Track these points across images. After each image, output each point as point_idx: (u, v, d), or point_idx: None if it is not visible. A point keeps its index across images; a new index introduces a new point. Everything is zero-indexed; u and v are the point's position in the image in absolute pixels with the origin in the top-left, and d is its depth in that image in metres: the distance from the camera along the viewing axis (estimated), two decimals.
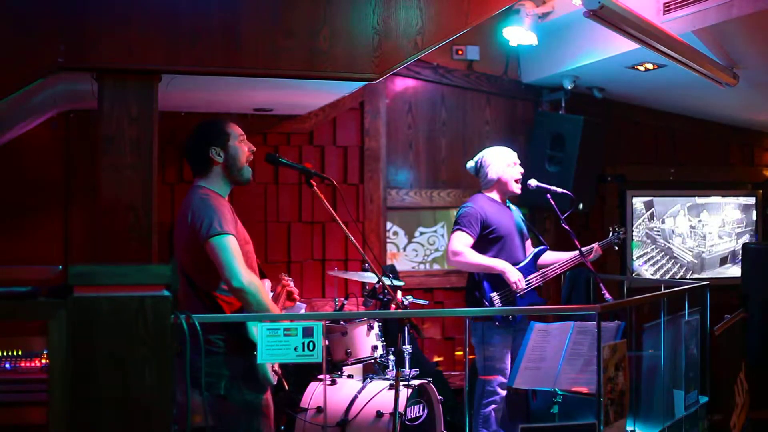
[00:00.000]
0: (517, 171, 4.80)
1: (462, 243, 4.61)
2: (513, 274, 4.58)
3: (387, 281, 3.94)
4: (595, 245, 4.93)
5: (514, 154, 4.83)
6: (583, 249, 4.77)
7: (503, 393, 4.65)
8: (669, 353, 4.33)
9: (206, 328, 3.10)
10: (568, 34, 5.54)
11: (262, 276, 3.64)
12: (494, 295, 4.59)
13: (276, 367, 3.44)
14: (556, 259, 4.85)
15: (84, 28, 3.67)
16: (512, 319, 4.61)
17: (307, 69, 3.97)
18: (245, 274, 3.28)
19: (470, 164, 4.89)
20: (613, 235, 5.10)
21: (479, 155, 4.85)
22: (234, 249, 3.31)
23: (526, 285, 4.66)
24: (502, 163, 4.78)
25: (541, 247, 4.83)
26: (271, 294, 3.71)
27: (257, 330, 3.29)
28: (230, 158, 3.51)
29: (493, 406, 4.64)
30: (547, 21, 5.53)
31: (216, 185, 3.52)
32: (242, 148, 3.55)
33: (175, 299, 2.51)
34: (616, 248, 5.18)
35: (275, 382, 3.44)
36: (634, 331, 4.58)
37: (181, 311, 2.88)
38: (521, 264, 4.70)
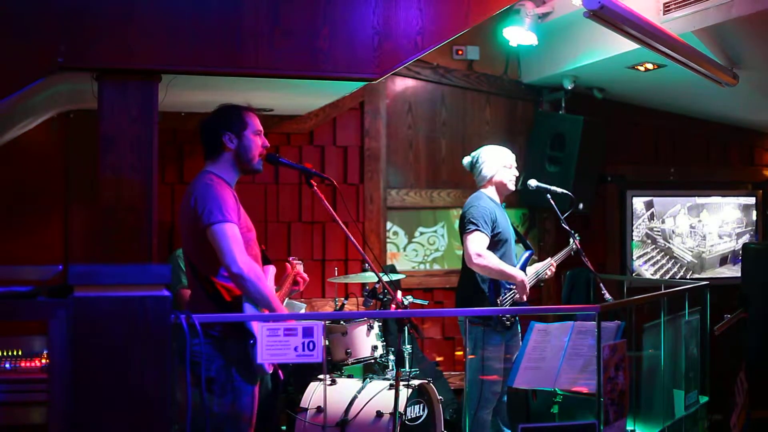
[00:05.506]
0: (512, 173, 4.76)
1: (483, 244, 4.50)
2: (525, 288, 4.56)
3: (386, 278, 3.93)
4: (551, 261, 4.85)
5: (512, 156, 4.78)
6: (540, 266, 4.78)
7: (495, 397, 4.62)
8: (669, 353, 4.34)
9: (201, 312, 3.10)
10: (568, 34, 5.54)
11: (267, 262, 3.65)
12: (499, 301, 4.56)
13: None
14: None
15: (84, 28, 3.68)
16: (510, 324, 4.59)
17: (307, 69, 3.97)
18: (244, 261, 3.29)
19: (466, 160, 4.82)
20: (572, 242, 5.01)
21: (477, 151, 4.79)
22: (234, 236, 3.32)
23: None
24: (498, 162, 4.72)
25: (529, 252, 4.80)
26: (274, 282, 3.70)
27: (258, 325, 3.31)
28: (242, 147, 3.51)
29: (487, 410, 4.60)
30: (547, 21, 5.53)
31: (224, 172, 3.51)
32: (256, 141, 3.55)
33: (175, 297, 2.51)
34: (572, 254, 5.05)
35: (270, 371, 3.43)
36: (634, 331, 4.58)
37: (181, 311, 2.88)
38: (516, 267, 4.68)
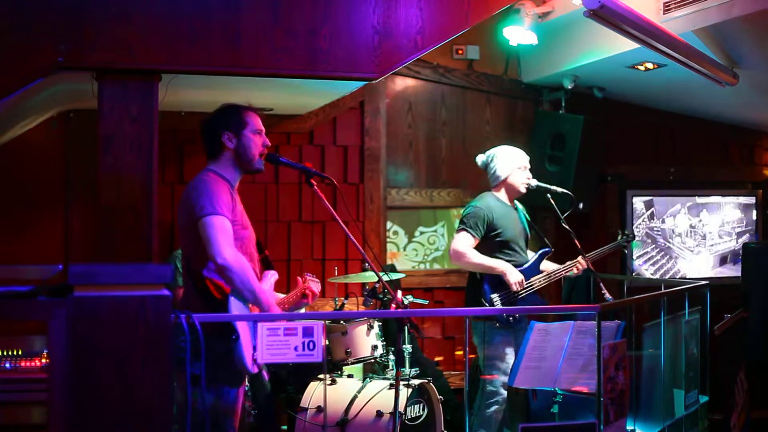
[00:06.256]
0: (525, 176, 4.78)
1: (465, 244, 4.59)
2: (513, 276, 4.57)
3: (386, 277, 3.93)
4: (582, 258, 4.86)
5: (527, 158, 4.82)
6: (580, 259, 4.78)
7: (505, 393, 4.64)
8: (669, 353, 4.33)
9: (189, 308, 3.09)
10: (568, 34, 5.54)
11: (269, 267, 3.65)
12: (494, 297, 4.58)
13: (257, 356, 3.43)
14: (545, 269, 4.82)
15: (84, 28, 3.67)
16: (513, 320, 4.59)
17: (308, 69, 3.97)
18: (230, 253, 3.29)
19: (481, 158, 4.85)
20: (621, 238, 5.10)
21: (491, 151, 4.83)
22: (223, 228, 3.32)
23: (529, 286, 4.65)
24: (512, 164, 4.76)
25: (546, 249, 4.82)
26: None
27: (235, 308, 3.30)
28: (241, 147, 3.53)
29: (495, 407, 4.62)
30: (547, 20, 5.52)
31: (225, 171, 3.53)
32: (256, 140, 3.56)
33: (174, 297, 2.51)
34: (626, 251, 5.16)
35: (254, 371, 3.40)
36: (634, 330, 4.58)
37: (181, 310, 2.88)
38: (525, 266, 4.69)
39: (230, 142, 3.52)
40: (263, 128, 3.62)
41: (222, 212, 3.35)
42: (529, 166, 4.82)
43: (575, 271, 4.79)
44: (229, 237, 3.33)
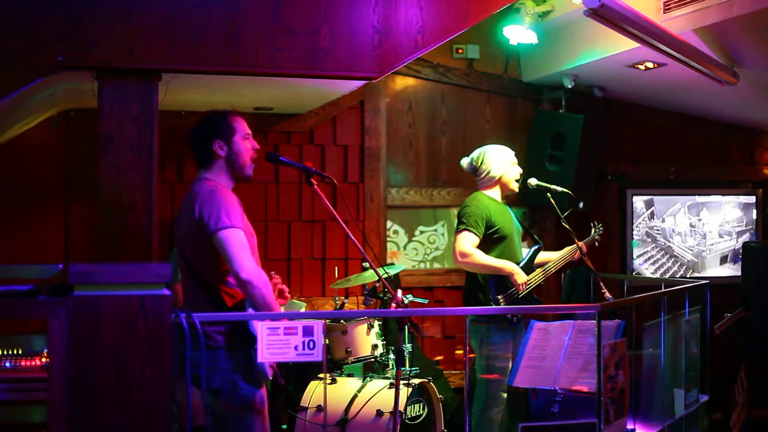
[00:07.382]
0: (517, 171, 4.80)
1: (469, 243, 4.55)
2: (521, 276, 4.56)
3: (385, 274, 3.93)
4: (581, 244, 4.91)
5: (513, 153, 4.83)
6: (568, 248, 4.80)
7: (505, 394, 4.63)
8: (669, 352, 4.33)
9: (205, 321, 3.11)
10: (569, 33, 5.54)
11: None
12: (500, 298, 4.57)
13: (272, 362, 3.45)
14: (547, 259, 4.84)
15: (84, 27, 3.68)
16: (516, 320, 4.59)
17: (308, 68, 3.97)
18: (252, 267, 3.29)
19: (465, 161, 4.82)
20: (594, 231, 5.12)
21: (477, 152, 4.80)
22: (241, 242, 3.32)
23: (528, 284, 4.65)
24: (505, 161, 4.76)
25: (536, 246, 4.82)
26: None
27: (257, 324, 3.31)
28: (233, 154, 3.51)
29: (496, 408, 4.61)
30: (547, 20, 5.53)
31: (220, 178, 3.51)
32: (246, 146, 3.54)
33: (174, 296, 2.51)
34: (596, 244, 5.18)
35: (270, 377, 3.43)
36: (635, 329, 4.58)
37: (181, 310, 2.88)
38: (521, 264, 4.69)
39: (221, 150, 3.49)
40: (250, 131, 3.59)
41: (237, 225, 3.33)
42: (516, 161, 4.84)
43: (575, 256, 4.80)
44: (247, 250, 3.33)
